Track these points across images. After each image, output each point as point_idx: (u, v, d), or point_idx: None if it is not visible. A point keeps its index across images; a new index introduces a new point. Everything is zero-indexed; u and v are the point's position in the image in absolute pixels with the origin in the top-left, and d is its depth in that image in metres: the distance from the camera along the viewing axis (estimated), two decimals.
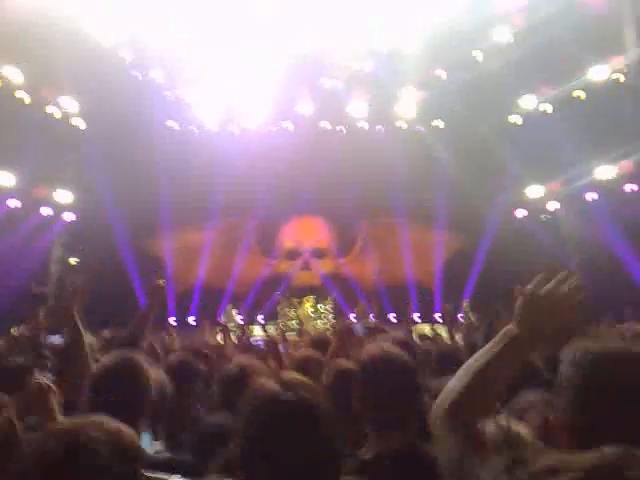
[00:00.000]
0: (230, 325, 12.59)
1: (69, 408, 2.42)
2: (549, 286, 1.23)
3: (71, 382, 2.54)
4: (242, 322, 12.21)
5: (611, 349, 1.10)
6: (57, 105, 12.54)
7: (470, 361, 1.27)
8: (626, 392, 1.04)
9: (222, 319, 13.04)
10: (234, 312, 13.80)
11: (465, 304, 12.56)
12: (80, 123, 13.16)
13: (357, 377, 1.91)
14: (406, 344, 2.69)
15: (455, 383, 1.25)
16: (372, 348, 1.94)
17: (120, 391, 1.87)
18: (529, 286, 1.24)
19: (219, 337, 10.05)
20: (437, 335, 7.25)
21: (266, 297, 15.14)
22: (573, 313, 1.21)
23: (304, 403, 1.16)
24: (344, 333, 3.48)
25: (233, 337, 7.17)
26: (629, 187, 12.04)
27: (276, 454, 1.10)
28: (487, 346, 1.26)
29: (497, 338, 1.25)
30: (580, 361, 1.10)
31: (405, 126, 14.77)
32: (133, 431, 1.21)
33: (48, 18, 10.00)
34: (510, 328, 1.23)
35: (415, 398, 1.72)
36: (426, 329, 10.43)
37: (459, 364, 1.31)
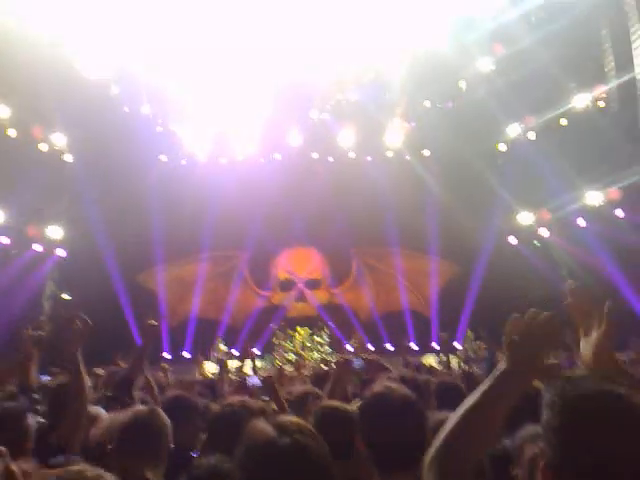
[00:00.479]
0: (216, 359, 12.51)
1: (62, 451, 2.38)
2: (522, 328, 1.24)
3: (67, 424, 2.51)
4: (234, 355, 12.15)
5: (586, 389, 1.09)
6: (47, 141, 12.59)
7: (463, 404, 1.26)
8: (601, 435, 1.03)
9: (213, 353, 12.93)
10: (222, 346, 13.65)
11: (468, 333, 12.57)
12: (70, 159, 13.21)
13: (362, 417, 1.88)
14: (411, 381, 2.67)
15: (444, 429, 1.24)
16: (377, 387, 1.91)
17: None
18: (507, 325, 1.25)
19: (210, 370, 9.94)
20: (432, 367, 7.14)
21: (261, 329, 15.03)
22: (549, 350, 1.22)
23: (300, 448, 1.14)
24: (341, 368, 3.48)
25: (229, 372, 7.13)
26: (618, 212, 12.16)
27: None
28: (480, 387, 1.25)
29: (489, 377, 1.25)
30: (555, 403, 1.10)
31: (394, 155, 14.93)
32: (114, 477, 1.21)
33: (36, 55, 10.12)
34: (501, 365, 1.23)
35: (422, 437, 1.69)
36: (430, 360, 10.26)
37: (459, 396, 1.30)
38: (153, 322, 3.46)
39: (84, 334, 2.77)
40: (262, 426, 1.21)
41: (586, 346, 1.47)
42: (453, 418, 1.23)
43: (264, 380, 3.63)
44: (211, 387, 5.03)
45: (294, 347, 14.41)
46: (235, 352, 13.99)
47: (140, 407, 2.39)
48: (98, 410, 3.07)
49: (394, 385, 1.91)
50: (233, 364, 9.67)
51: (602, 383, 1.11)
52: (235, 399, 2.39)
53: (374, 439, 1.77)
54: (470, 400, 1.23)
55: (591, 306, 1.39)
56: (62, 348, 2.69)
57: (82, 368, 2.71)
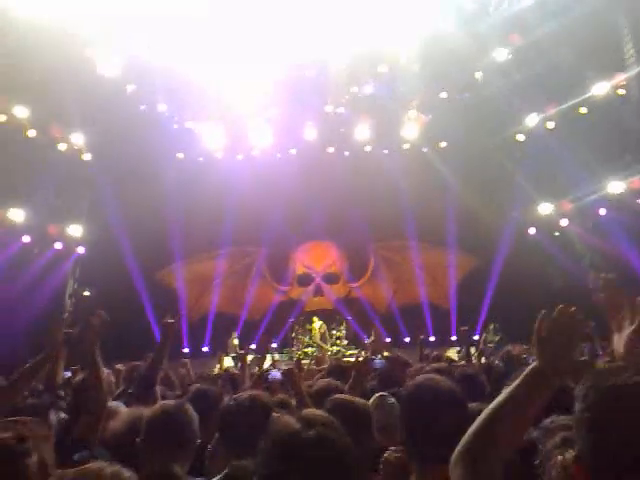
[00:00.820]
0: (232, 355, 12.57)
1: (84, 446, 2.41)
2: (549, 325, 1.20)
3: (87, 418, 2.55)
4: (251, 350, 12.20)
5: (620, 380, 1.04)
6: (66, 141, 12.74)
7: (495, 401, 1.23)
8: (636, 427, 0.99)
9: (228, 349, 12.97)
10: (235, 341, 13.67)
11: (492, 326, 12.43)
12: (89, 157, 13.36)
13: (406, 407, 1.85)
14: (448, 373, 2.64)
15: (473, 426, 1.22)
16: (419, 378, 1.89)
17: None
18: (537, 322, 1.22)
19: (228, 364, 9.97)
20: (451, 359, 7.08)
21: (279, 324, 15.08)
22: (575, 347, 1.19)
23: (324, 440, 1.13)
24: (362, 368, 3.52)
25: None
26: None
27: None
28: (512, 384, 1.23)
29: (522, 375, 1.22)
30: (588, 395, 1.06)
31: (410, 148, 14.82)
32: (132, 474, 1.22)
33: (53, 54, 10.22)
34: (534, 364, 1.20)
35: (463, 429, 1.64)
36: (450, 353, 10.20)
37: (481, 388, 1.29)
38: (171, 320, 3.50)
39: (101, 330, 2.82)
40: (286, 420, 1.20)
41: (619, 341, 1.43)
42: (483, 415, 1.22)
43: (285, 373, 3.63)
44: (232, 381, 5.04)
45: (312, 340, 14.43)
46: (253, 347, 14.07)
47: (168, 402, 2.39)
48: (118, 405, 3.11)
49: (437, 377, 1.88)
50: (251, 359, 9.71)
51: (637, 374, 1.07)
52: (244, 393, 2.38)
53: (418, 430, 1.74)
54: (500, 398, 1.21)
55: (623, 300, 1.35)
56: (81, 345, 2.74)
57: (100, 364, 2.76)
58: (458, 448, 1.22)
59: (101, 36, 10.93)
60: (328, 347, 14.02)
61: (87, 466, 1.19)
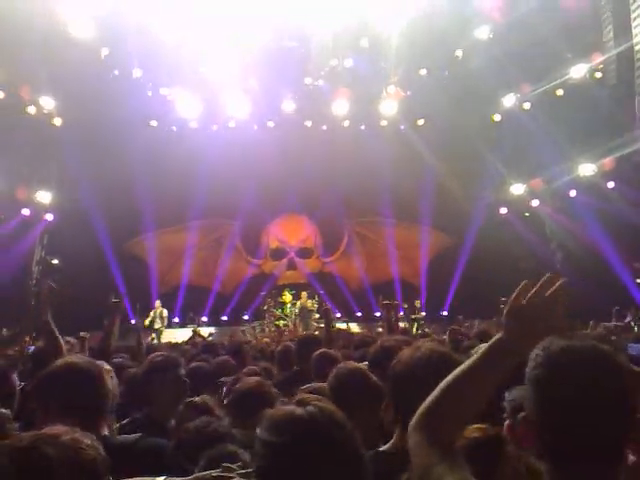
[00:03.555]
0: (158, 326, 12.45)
1: None
2: (533, 292, 1.17)
3: None
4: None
5: (571, 345, 1.06)
6: (36, 104, 12.31)
7: (454, 371, 1.22)
8: (579, 390, 1.02)
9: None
10: (164, 312, 12.92)
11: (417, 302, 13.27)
12: (59, 122, 12.94)
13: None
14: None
15: (430, 395, 1.21)
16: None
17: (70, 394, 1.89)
18: (513, 294, 1.19)
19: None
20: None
21: (251, 297, 15.06)
22: (560, 317, 1.16)
23: (317, 415, 1.12)
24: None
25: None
26: (610, 184, 12.13)
27: (297, 468, 1.07)
28: (474, 356, 1.21)
29: (484, 347, 1.20)
30: (538, 357, 1.08)
31: (388, 125, 14.75)
32: (93, 440, 1.16)
33: (24, 14, 9.80)
34: (498, 336, 1.18)
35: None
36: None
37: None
38: (116, 299, 3.64)
39: (51, 300, 2.89)
40: (282, 405, 1.21)
41: None
42: (438, 389, 1.19)
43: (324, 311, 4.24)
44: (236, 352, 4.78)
45: (284, 313, 14.46)
46: (204, 319, 14.06)
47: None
48: None
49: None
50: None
51: (591, 341, 1.08)
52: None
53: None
54: (457, 371, 1.19)
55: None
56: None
57: (56, 332, 2.80)
58: (412, 422, 1.20)
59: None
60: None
61: (46, 430, 1.14)
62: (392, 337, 2.75)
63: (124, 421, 2.56)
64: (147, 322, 12.24)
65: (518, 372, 1.15)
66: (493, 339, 1.18)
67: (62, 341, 2.85)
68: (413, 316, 13.03)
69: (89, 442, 1.13)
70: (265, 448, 1.11)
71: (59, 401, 1.85)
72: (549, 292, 1.13)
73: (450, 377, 1.19)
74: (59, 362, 2.01)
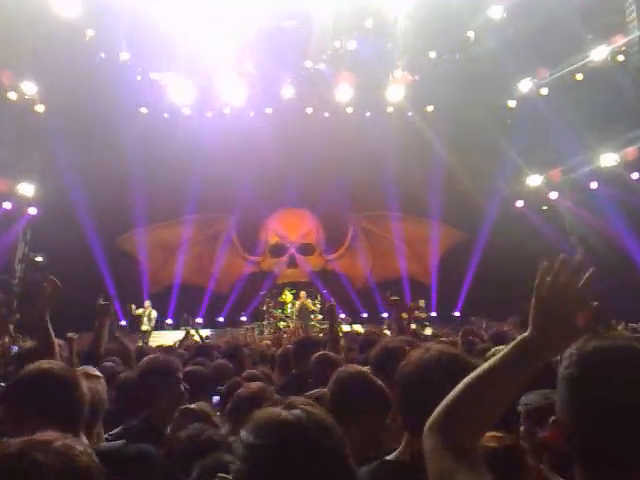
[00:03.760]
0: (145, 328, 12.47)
1: None
2: (549, 279, 1.15)
3: None
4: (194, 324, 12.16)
5: (607, 343, 1.06)
6: (17, 90, 12.25)
7: (475, 372, 1.20)
8: (616, 389, 1.01)
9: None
10: (153, 313, 12.97)
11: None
12: (42, 109, 12.89)
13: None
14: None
15: (448, 396, 1.19)
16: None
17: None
18: (537, 279, 1.16)
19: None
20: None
21: (250, 297, 15.04)
22: (580, 306, 1.14)
23: (304, 417, 1.14)
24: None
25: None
26: (634, 175, 12.08)
27: (280, 473, 1.08)
28: (496, 356, 1.19)
29: (508, 347, 1.18)
30: (572, 355, 1.08)
31: (395, 111, 14.70)
32: (86, 446, 1.17)
33: None
34: (524, 336, 1.16)
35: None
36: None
37: None
38: (105, 301, 3.71)
39: (53, 297, 2.84)
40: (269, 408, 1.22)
41: None
42: (456, 389, 1.18)
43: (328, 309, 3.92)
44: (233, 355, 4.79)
45: (285, 314, 14.45)
46: (199, 320, 14.04)
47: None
48: None
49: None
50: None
51: (628, 339, 1.09)
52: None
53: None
54: (478, 371, 1.17)
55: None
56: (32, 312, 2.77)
57: (51, 332, 2.80)
58: (427, 425, 1.19)
59: None
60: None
61: (37, 436, 1.12)
62: (396, 337, 2.76)
63: (117, 429, 2.54)
64: (137, 312, 12.37)
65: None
66: (517, 338, 1.15)
67: (56, 343, 2.84)
68: (414, 315, 12.99)
69: (82, 449, 1.12)
70: (247, 450, 1.12)
71: (35, 407, 1.85)
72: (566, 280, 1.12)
73: (469, 378, 1.18)
74: (31, 367, 2.00)
